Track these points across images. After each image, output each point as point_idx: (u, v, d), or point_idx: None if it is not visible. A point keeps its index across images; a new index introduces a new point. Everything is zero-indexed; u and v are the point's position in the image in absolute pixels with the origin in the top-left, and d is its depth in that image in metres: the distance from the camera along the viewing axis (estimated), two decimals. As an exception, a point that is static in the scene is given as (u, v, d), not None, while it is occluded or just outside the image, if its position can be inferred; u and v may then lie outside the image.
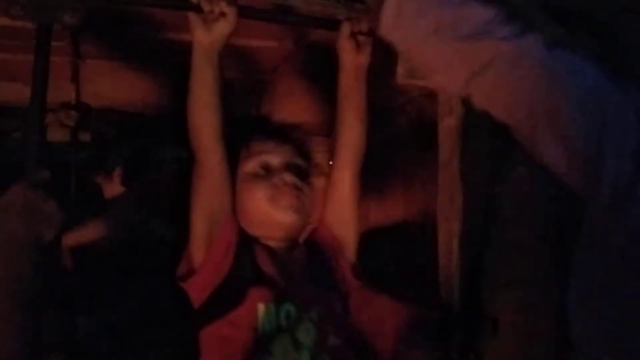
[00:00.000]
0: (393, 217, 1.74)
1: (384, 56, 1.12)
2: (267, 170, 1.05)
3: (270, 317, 0.97)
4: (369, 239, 1.82)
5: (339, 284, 1.09)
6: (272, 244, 1.04)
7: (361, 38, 1.04)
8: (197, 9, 0.94)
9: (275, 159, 1.06)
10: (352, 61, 1.06)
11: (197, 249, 1.00)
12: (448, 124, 0.97)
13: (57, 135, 1.55)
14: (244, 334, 0.96)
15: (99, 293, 2.08)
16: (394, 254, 1.66)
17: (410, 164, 1.70)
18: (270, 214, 1.02)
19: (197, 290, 1.00)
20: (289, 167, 1.05)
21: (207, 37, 0.97)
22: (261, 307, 0.97)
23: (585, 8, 0.84)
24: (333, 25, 1.02)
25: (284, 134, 1.11)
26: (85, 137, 1.64)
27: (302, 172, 1.08)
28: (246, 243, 1.02)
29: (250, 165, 1.05)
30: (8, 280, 0.85)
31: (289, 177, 1.03)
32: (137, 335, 2.01)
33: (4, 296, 0.84)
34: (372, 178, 1.83)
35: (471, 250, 0.93)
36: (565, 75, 0.65)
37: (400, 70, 0.96)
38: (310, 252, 1.09)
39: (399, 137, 1.71)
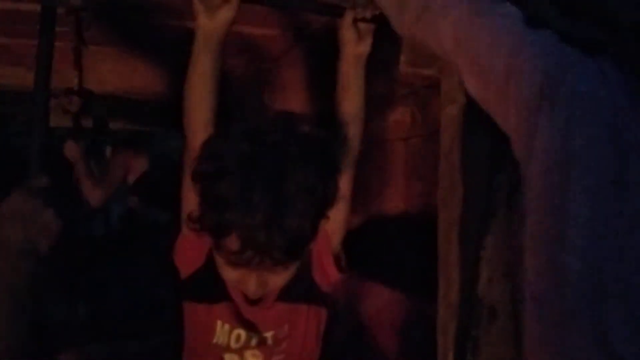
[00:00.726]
0: (394, 208, 1.74)
1: (386, 47, 1.12)
2: (240, 269, 0.88)
3: (224, 336, 1.02)
4: (369, 229, 1.83)
5: (317, 289, 1.07)
6: None
7: (363, 27, 1.04)
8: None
9: (250, 277, 0.89)
10: (353, 50, 1.06)
11: (186, 227, 0.97)
12: (449, 113, 0.97)
13: (59, 120, 1.56)
14: (203, 335, 1.03)
15: (96, 280, 2.10)
16: (394, 244, 1.67)
17: (411, 155, 1.70)
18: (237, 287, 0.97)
19: (181, 266, 1.04)
20: (265, 275, 0.89)
21: (209, 23, 0.96)
22: (218, 324, 1.02)
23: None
24: (336, 12, 1.02)
25: (265, 237, 0.81)
26: (87, 122, 1.64)
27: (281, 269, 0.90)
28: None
29: (223, 259, 0.88)
30: (1, 289, 0.84)
31: (262, 286, 0.90)
32: (132, 321, 2.03)
33: None
34: (373, 169, 1.83)
35: (470, 239, 0.93)
36: (492, 18, 0.72)
37: (403, 58, 0.96)
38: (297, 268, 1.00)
39: (401, 128, 1.71)
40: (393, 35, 0.94)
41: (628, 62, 0.70)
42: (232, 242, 0.82)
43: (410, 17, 0.80)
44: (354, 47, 1.06)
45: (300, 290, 1.04)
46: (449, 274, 0.94)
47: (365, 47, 1.06)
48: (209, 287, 1.01)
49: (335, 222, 1.03)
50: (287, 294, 1.02)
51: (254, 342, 1.03)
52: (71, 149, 1.90)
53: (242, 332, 1.03)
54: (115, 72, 1.58)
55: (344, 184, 1.04)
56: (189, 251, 1.01)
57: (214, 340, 1.03)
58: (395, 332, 1.49)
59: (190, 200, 0.95)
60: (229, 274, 0.91)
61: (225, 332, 1.02)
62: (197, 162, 0.88)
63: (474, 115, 0.96)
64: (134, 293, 2.17)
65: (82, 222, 2.18)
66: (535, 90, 0.64)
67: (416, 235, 1.64)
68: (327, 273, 1.07)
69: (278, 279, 0.91)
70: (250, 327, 1.03)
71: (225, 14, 0.96)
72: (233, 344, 1.03)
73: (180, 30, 1.42)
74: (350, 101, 1.09)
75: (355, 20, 1.03)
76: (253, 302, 1.01)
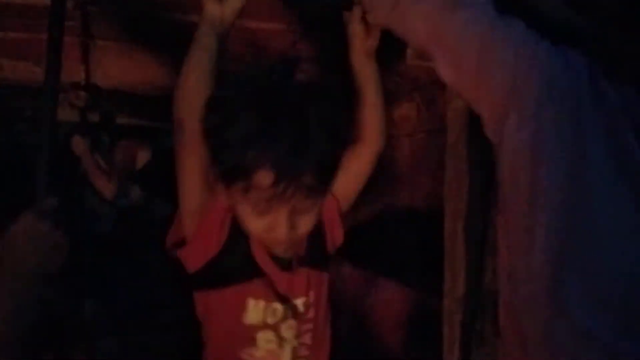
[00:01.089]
0: (399, 202, 1.75)
1: (391, 43, 1.12)
2: (268, 214, 0.88)
3: (258, 313, 0.99)
4: (375, 224, 1.84)
5: (328, 255, 1.08)
6: None
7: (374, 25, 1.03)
8: None
9: (281, 212, 0.87)
10: (362, 43, 1.06)
11: (188, 219, 0.96)
12: (456, 106, 0.97)
13: (66, 115, 1.57)
14: (231, 319, 1.00)
15: (103, 275, 2.11)
16: (400, 238, 1.67)
17: (417, 150, 1.70)
18: (264, 240, 0.94)
19: (191, 259, 0.99)
20: (294, 217, 0.89)
21: (218, 10, 0.95)
22: (251, 302, 0.99)
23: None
24: (345, 6, 1.02)
25: (296, 168, 0.84)
26: (93, 117, 1.65)
27: (309, 208, 0.91)
28: (240, 230, 0.95)
29: (251, 204, 0.87)
30: (11, 310, 0.84)
31: (291, 231, 0.89)
32: (141, 316, 2.04)
33: (6, 326, 0.84)
34: (379, 164, 1.83)
35: (476, 231, 0.93)
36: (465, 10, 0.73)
37: (409, 51, 0.96)
38: (312, 232, 1.01)
39: (406, 124, 1.71)
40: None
41: (603, 45, 0.73)
42: (264, 177, 0.82)
43: (384, 8, 0.82)
44: (363, 40, 1.06)
45: (317, 255, 1.04)
46: (454, 266, 0.94)
47: (374, 40, 1.06)
48: (235, 268, 0.99)
49: (346, 190, 1.06)
50: (307, 260, 1.02)
51: (289, 313, 1.01)
52: (78, 144, 1.92)
53: (279, 306, 1.00)
54: (122, 67, 1.59)
55: (367, 164, 1.09)
56: (202, 240, 0.98)
57: (246, 321, 1.00)
58: (401, 325, 1.50)
59: (188, 187, 0.95)
60: (258, 224, 0.89)
61: (259, 310, 1.00)
62: (205, 115, 0.87)
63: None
64: (142, 288, 2.18)
65: (88, 219, 2.19)
66: (505, 84, 0.68)
67: (422, 230, 1.64)
68: (335, 237, 1.08)
69: (307, 220, 0.91)
70: (285, 298, 1.01)
71: (234, 4, 0.96)
72: (269, 319, 1.00)
73: (187, 25, 1.42)
74: (371, 93, 1.09)
75: (364, 14, 1.03)
76: (284, 267, 0.99)
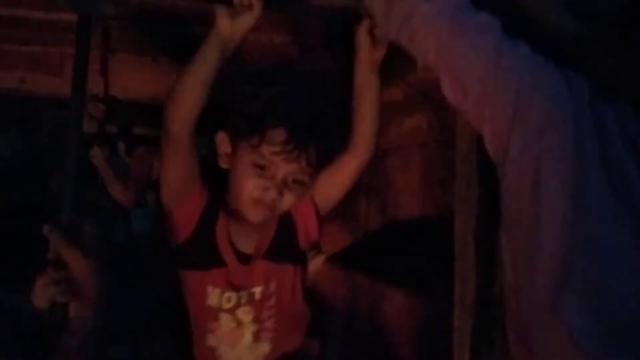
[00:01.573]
0: (410, 213, 1.76)
1: (403, 55, 1.15)
2: (267, 174, 1.04)
3: (215, 299, 1.14)
4: (386, 234, 1.85)
5: (300, 251, 1.20)
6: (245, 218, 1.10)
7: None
8: (226, 1, 0.96)
9: (280, 172, 1.04)
10: (368, 56, 1.09)
11: (166, 202, 1.11)
12: (465, 118, 0.98)
13: (85, 126, 1.61)
14: (196, 299, 1.15)
15: (118, 285, 2.14)
16: (410, 248, 1.68)
17: (428, 161, 1.72)
18: (245, 206, 1.06)
19: (170, 235, 1.13)
20: (287, 185, 1.05)
21: (229, 27, 0.98)
22: (209, 289, 1.13)
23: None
24: (354, 19, 1.05)
25: (304, 137, 1.04)
26: (112, 128, 1.69)
27: (298, 185, 1.07)
28: (210, 218, 1.13)
29: (255, 159, 1.04)
30: None
31: (277, 198, 1.04)
32: (154, 324, 2.06)
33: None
34: (390, 174, 1.85)
35: (487, 241, 0.95)
36: (472, 34, 0.75)
37: (420, 64, 0.98)
38: (282, 223, 1.18)
39: (417, 134, 1.73)
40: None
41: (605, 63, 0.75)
42: (279, 134, 1.01)
43: (394, 25, 0.84)
44: (369, 53, 1.09)
45: (285, 251, 1.17)
46: (465, 276, 0.96)
47: (379, 53, 1.09)
48: (200, 254, 1.13)
49: (325, 194, 1.19)
50: (273, 254, 1.16)
51: (244, 300, 1.14)
52: (97, 155, 1.96)
53: (232, 294, 1.14)
54: (140, 79, 1.62)
55: (351, 175, 1.19)
56: (182, 217, 1.11)
57: (208, 303, 1.14)
58: (412, 332, 1.51)
59: (169, 178, 1.08)
60: (254, 182, 1.04)
61: (216, 295, 1.14)
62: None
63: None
64: (155, 296, 2.20)
65: (104, 229, 2.23)
66: (509, 109, 0.70)
67: (433, 240, 1.65)
68: (310, 233, 1.20)
69: (288, 199, 1.05)
70: (239, 287, 1.14)
71: (246, 21, 0.98)
72: (225, 305, 1.14)
73: (203, 38, 1.46)
74: (367, 105, 1.14)
75: (371, 28, 1.06)
76: (243, 261, 1.14)
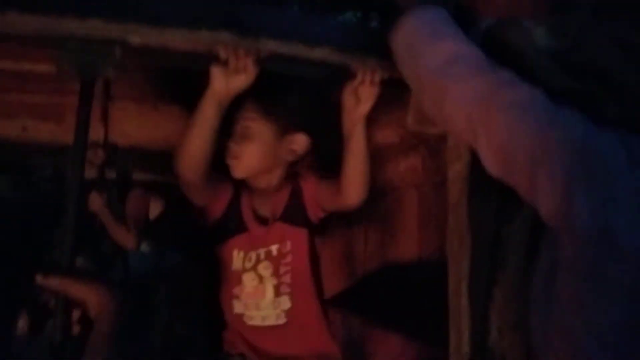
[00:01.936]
0: (407, 254, 1.76)
1: (396, 101, 1.18)
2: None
3: (239, 262, 1.33)
4: (383, 276, 1.85)
5: (310, 220, 1.37)
6: (257, 186, 1.35)
7: (365, 91, 1.09)
8: (223, 64, 0.99)
9: (236, 126, 1.27)
10: (352, 112, 1.15)
11: (201, 207, 1.33)
12: (456, 169, 1.01)
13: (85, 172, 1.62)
14: (225, 267, 1.34)
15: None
16: (408, 291, 1.68)
17: (423, 202, 1.73)
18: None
19: (204, 218, 1.35)
20: (235, 134, 1.27)
21: (224, 87, 1.05)
22: (234, 253, 1.34)
23: (604, 64, 0.86)
24: (343, 76, 1.07)
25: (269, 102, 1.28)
26: (111, 174, 1.71)
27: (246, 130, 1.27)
28: (236, 197, 1.36)
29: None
30: None
31: (234, 147, 1.27)
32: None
33: None
34: (386, 215, 1.86)
35: (480, 291, 0.95)
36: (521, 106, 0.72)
37: (410, 119, 1.01)
38: (293, 193, 1.37)
39: (413, 175, 1.75)
40: (402, 94, 0.99)
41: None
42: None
43: (427, 104, 0.84)
44: (353, 110, 1.14)
45: (298, 215, 1.35)
46: (459, 326, 0.96)
47: (364, 109, 1.14)
48: (228, 227, 1.34)
49: (325, 199, 1.35)
50: (287, 217, 1.34)
51: (262, 256, 1.32)
52: (95, 201, 1.98)
53: (253, 253, 1.33)
54: (139, 126, 1.66)
55: (348, 201, 1.29)
56: (214, 206, 1.34)
57: (232, 268, 1.34)
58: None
59: (195, 197, 1.29)
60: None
61: (240, 259, 1.33)
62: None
63: (481, 171, 0.99)
64: (153, 336, 2.19)
65: (101, 270, 2.22)
66: (567, 174, 0.66)
67: (430, 282, 1.65)
68: (316, 213, 1.36)
69: (243, 146, 1.28)
70: (258, 246, 1.33)
71: (240, 82, 1.03)
72: (247, 265, 1.33)
73: (201, 85, 1.49)
74: (354, 154, 1.19)
75: (356, 88, 1.09)
76: (262, 223, 1.34)
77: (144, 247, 2.23)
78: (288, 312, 1.32)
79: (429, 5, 0.87)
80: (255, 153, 1.28)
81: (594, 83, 0.81)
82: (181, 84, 1.59)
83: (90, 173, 1.76)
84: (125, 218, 2.19)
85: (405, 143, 1.72)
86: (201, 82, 1.54)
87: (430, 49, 0.82)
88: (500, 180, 0.79)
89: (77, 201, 0.96)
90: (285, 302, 1.32)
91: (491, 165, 0.76)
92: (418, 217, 1.77)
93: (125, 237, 2.16)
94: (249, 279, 1.32)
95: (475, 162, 1.00)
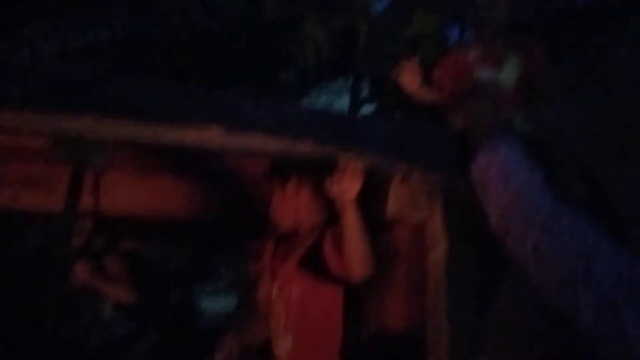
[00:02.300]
0: (395, 324, 1.75)
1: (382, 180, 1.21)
2: None
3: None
4: (371, 346, 1.82)
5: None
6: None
7: (348, 181, 1.15)
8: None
9: None
10: (340, 199, 1.19)
11: None
12: (434, 258, 1.03)
13: (73, 241, 1.63)
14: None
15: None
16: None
17: (411, 275, 1.73)
18: None
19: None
20: None
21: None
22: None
23: (573, 150, 0.94)
24: (330, 169, 1.11)
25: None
26: (98, 242, 1.72)
27: None
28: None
29: None
30: None
31: None
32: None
33: None
34: (374, 285, 1.86)
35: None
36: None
37: (390, 209, 1.04)
38: (312, 247, 1.46)
39: (401, 248, 1.76)
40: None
41: None
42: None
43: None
44: (339, 198, 1.19)
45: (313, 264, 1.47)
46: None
47: (349, 197, 1.18)
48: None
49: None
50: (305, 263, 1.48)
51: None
52: (82, 270, 1.95)
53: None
54: (130, 196, 1.68)
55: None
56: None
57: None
58: None
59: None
60: None
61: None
62: None
63: (458, 257, 1.02)
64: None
65: (81, 331, 2.18)
66: (610, 288, 0.76)
67: (418, 352, 1.63)
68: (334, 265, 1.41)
69: None
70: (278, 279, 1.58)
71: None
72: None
73: (192, 158, 1.52)
74: (348, 234, 1.21)
75: (343, 176, 1.14)
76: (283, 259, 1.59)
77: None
78: None
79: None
80: None
81: (568, 166, 0.86)
82: (171, 156, 1.63)
83: (77, 243, 1.76)
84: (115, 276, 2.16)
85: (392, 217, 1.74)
86: (190, 154, 1.58)
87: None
88: (477, 271, 0.83)
89: (64, 269, 0.97)
90: None
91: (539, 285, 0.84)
92: (406, 287, 1.76)
93: (121, 293, 2.11)
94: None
95: (452, 248, 1.02)
